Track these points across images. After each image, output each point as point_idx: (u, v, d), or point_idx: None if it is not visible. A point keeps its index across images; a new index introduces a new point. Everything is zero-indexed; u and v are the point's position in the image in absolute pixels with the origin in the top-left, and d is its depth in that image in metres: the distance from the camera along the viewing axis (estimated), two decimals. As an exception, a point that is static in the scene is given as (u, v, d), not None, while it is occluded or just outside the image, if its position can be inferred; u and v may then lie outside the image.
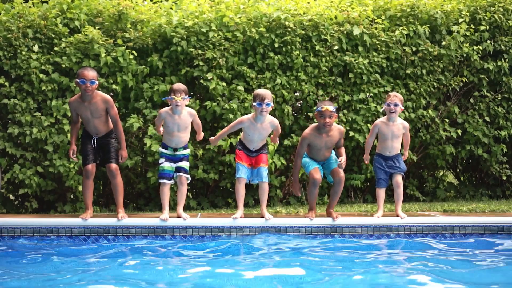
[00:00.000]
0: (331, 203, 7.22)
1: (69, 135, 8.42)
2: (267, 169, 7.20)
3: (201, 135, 7.42)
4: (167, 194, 7.16)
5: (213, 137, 7.41)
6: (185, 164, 7.19)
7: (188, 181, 7.23)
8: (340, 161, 7.09)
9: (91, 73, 6.96)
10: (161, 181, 7.15)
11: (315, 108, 7.51)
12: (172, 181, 7.19)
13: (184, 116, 7.09)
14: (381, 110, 7.67)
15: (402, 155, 7.49)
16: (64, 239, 6.79)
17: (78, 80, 6.96)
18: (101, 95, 7.12)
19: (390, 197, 9.41)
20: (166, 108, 7.12)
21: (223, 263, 5.68)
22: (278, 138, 7.46)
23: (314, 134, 7.14)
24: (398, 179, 7.36)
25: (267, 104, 6.88)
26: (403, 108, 7.38)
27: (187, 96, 7.05)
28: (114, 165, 7.20)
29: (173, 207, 8.74)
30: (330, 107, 6.97)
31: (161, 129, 7.21)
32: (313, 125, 7.27)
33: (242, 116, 7.23)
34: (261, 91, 6.97)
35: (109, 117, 7.17)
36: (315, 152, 7.21)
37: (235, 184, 7.16)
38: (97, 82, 7.00)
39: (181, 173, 7.15)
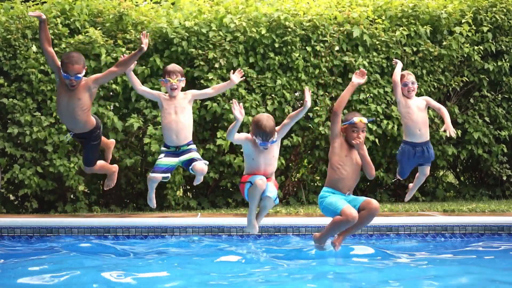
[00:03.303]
0: (350, 232, 5.95)
1: (69, 135, 8.28)
2: (277, 194, 5.96)
3: (217, 88, 6.49)
4: (153, 189, 6.34)
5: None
6: (196, 155, 6.30)
7: (206, 165, 6.27)
8: None
9: (76, 66, 5.81)
10: (152, 174, 6.24)
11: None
12: (162, 176, 6.25)
13: (180, 96, 6.32)
14: (398, 97, 6.79)
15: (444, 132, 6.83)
16: (63, 238, 6.79)
17: (63, 73, 5.83)
18: (84, 80, 5.94)
19: (390, 197, 9.42)
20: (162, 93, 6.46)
21: (223, 264, 5.68)
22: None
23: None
24: (427, 170, 6.87)
25: (272, 142, 5.77)
26: (417, 85, 6.95)
27: (183, 77, 6.33)
28: (88, 168, 6.36)
29: (174, 207, 8.74)
30: (364, 119, 5.95)
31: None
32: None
33: (247, 135, 5.93)
34: (266, 124, 5.69)
35: (88, 108, 6.00)
36: (341, 181, 5.90)
37: (249, 190, 5.84)
38: (82, 74, 5.86)
39: (196, 162, 6.20)
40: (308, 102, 5.79)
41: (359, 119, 5.87)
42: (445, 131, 6.73)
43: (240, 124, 5.75)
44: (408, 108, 6.80)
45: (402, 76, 6.85)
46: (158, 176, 6.20)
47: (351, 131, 5.89)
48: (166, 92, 6.39)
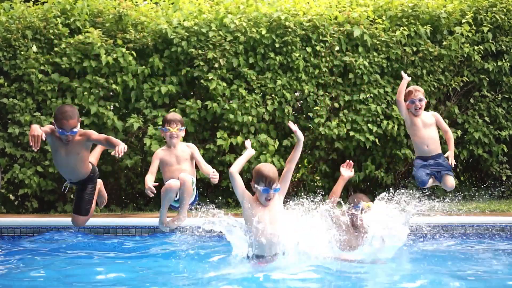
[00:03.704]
0: None
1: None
2: None
3: (206, 168, 6.29)
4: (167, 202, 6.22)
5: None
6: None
7: (193, 182, 6.25)
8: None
9: (71, 122, 5.70)
10: (167, 183, 6.16)
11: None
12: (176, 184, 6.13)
13: (181, 147, 6.32)
14: (403, 116, 6.85)
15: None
16: (64, 238, 6.79)
17: (57, 130, 5.74)
18: (79, 132, 5.86)
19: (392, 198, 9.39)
20: (161, 148, 6.44)
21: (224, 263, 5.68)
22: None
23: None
24: (449, 180, 6.66)
25: (275, 190, 5.35)
26: (426, 101, 6.83)
27: (183, 127, 6.32)
28: (82, 218, 6.27)
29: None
30: (371, 203, 5.73)
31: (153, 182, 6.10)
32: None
33: (244, 191, 5.38)
34: (269, 169, 5.35)
35: (87, 158, 6.07)
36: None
37: None
38: (78, 127, 5.79)
39: (182, 173, 6.20)
40: (299, 134, 5.57)
41: (367, 204, 5.71)
42: (447, 157, 6.73)
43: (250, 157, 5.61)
44: (413, 125, 6.76)
45: (410, 93, 6.74)
46: (175, 183, 6.05)
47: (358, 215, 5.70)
48: (162, 146, 6.32)
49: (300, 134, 5.57)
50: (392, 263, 5.69)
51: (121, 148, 5.60)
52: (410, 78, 6.85)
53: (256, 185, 5.31)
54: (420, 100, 6.74)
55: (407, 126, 6.88)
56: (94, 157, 6.41)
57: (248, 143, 5.77)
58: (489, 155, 9.67)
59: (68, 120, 5.69)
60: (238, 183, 5.35)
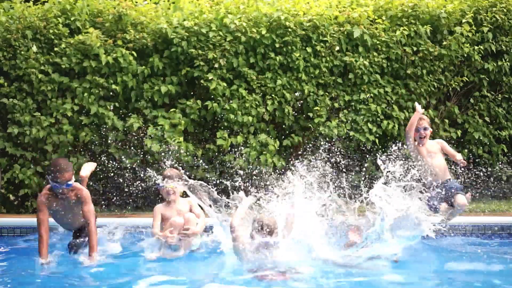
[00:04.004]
0: None
1: (68, 135, 8.37)
2: None
3: (197, 227, 6.21)
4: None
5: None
6: None
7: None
8: None
9: (66, 175, 5.75)
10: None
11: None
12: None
13: (181, 201, 6.32)
14: (409, 148, 6.84)
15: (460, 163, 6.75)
16: (64, 239, 6.79)
17: (52, 183, 5.80)
18: (76, 189, 5.94)
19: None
20: (161, 204, 6.43)
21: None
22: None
23: None
24: (459, 199, 6.54)
25: (275, 243, 5.33)
26: (431, 130, 6.90)
27: (181, 181, 6.24)
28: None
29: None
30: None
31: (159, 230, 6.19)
32: None
33: (245, 247, 5.39)
34: (269, 221, 5.37)
35: None
36: None
37: None
38: (73, 181, 5.83)
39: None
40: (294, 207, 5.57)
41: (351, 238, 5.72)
42: (457, 165, 6.74)
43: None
44: (417, 155, 6.74)
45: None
46: (179, 219, 6.12)
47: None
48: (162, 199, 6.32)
49: (294, 207, 5.65)
50: (391, 263, 5.70)
51: (92, 260, 5.62)
52: (423, 110, 6.86)
53: (253, 232, 5.31)
54: (425, 129, 6.79)
55: (413, 157, 6.84)
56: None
57: (242, 194, 5.74)
58: (489, 155, 9.67)
59: (62, 173, 5.71)
60: (240, 238, 5.35)
